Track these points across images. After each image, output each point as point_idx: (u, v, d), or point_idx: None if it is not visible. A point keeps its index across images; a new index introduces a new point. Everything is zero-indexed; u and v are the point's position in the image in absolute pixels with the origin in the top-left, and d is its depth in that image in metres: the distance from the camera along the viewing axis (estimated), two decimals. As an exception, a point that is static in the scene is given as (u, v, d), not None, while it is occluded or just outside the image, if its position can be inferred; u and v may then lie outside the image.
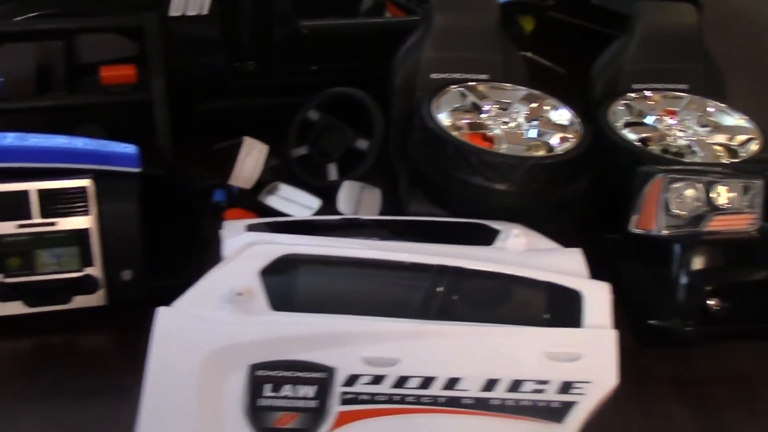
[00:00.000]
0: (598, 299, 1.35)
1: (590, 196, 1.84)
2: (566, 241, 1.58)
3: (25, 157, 1.50)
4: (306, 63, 2.20)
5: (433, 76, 2.01)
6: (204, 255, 1.74)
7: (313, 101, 2.06)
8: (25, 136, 1.55)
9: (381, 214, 1.88)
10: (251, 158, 1.85)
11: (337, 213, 1.85)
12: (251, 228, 1.68)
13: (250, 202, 1.88)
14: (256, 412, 1.20)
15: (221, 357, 1.22)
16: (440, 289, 1.35)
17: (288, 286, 1.35)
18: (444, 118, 1.85)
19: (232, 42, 2.13)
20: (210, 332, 1.24)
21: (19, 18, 1.88)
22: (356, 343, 1.25)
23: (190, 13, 1.99)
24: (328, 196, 1.91)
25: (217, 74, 2.10)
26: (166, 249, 1.64)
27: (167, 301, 1.56)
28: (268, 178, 1.90)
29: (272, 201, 1.87)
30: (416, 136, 1.88)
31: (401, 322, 1.28)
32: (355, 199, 1.89)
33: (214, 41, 2.07)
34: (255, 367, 1.22)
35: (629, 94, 2.02)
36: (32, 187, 1.47)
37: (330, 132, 2.02)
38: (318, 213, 1.85)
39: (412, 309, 1.32)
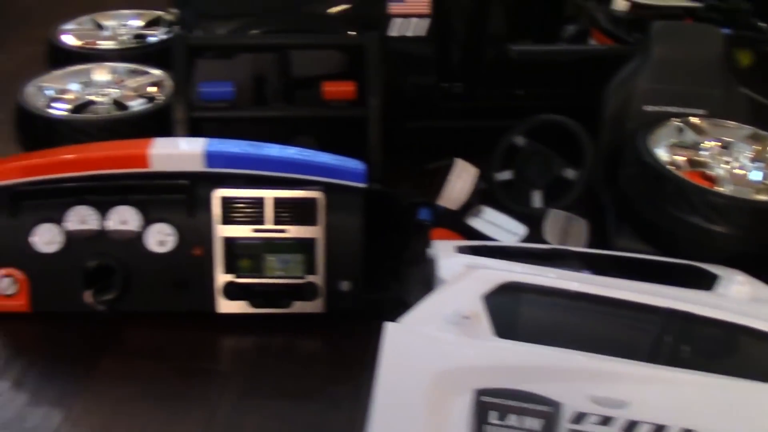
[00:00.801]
0: (844, 361, 1.26)
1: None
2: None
3: (263, 165, 1.58)
4: (513, 87, 2.21)
5: (647, 108, 1.96)
6: (410, 271, 1.78)
7: (521, 126, 2.05)
8: (260, 145, 1.64)
9: (587, 247, 1.84)
10: (461, 180, 1.87)
11: (543, 241, 1.83)
12: (460, 250, 1.70)
13: (455, 223, 1.89)
14: (482, 438, 1.20)
15: (448, 378, 1.23)
16: (670, 333, 1.30)
17: (511, 313, 1.35)
18: (661, 153, 1.80)
19: (442, 63, 2.17)
20: (437, 352, 1.26)
21: (252, 32, 1.99)
22: (584, 380, 1.22)
23: (409, 34, 2.05)
24: (530, 223, 1.90)
25: (426, 94, 2.15)
26: (377, 263, 1.68)
27: (378, 314, 1.61)
28: (474, 201, 1.91)
29: (478, 224, 1.88)
30: (630, 170, 1.83)
31: (632, 364, 1.24)
32: (561, 229, 1.86)
33: (426, 62, 2.12)
34: (481, 393, 1.22)
35: None
36: (269, 195, 1.55)
37: (536, 159, 2.01)
38: (523, 240, 1.84)
39: (639, 351, 1.28)
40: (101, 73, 2.11)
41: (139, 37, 2.40)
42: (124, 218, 1.55)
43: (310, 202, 1.56)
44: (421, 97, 2.15)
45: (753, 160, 1.81)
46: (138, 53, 2.26)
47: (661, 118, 1.91)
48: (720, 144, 1.85)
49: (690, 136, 1.87)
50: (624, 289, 1.39)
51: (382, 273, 1.70)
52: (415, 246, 1.81)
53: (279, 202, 1.55)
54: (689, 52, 1.98)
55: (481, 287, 1.35)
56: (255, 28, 2.03)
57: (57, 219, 1.54)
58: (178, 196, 1.56)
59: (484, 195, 1.97)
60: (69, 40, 2.33)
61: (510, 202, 1.99)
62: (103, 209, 1.55)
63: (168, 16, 2.45)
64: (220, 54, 2.04)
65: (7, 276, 1.55)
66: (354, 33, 2.05)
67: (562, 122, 2.00)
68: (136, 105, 1.97)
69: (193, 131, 1.92)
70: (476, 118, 2.22)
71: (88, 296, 1.54)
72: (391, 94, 2.04)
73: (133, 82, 2.09)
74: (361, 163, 1.63)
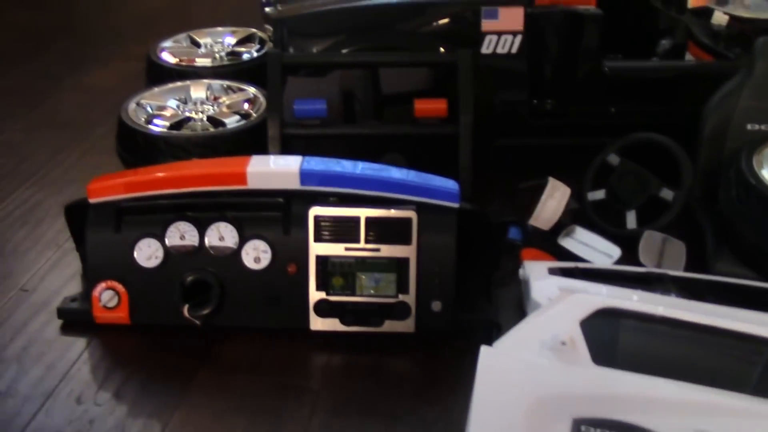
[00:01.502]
0: None
1: None
2: None
3: (357, 184, 1.59)
4: (606, 104, 2.16)
5: (749, 127, 1.89)
6: (501, 292, 1.76)
7: (615, 145, 2.00)
8: (354, 164, 1.65)
9: (684, 270, 1.78)
10: (554, 200, 1.84)
11: (638, 264, 1.78)
12: (553, 272, 1.67)
13: (546, 243, 1.86)
14: (581, 469, 1.17)
15: (545, 405, 1.20)
16: (779, 365, 1.25)
17: (609, 340, 1.32)
18: (766, 175, 1.73)
19: (534, 79, 2.14)
20: (534, 379, 1.23)
21: (346, 50, 2.01)
22: (689, 413, 1.18)
23: (502, 51, 2.03)
24: (624, 244, 1.85)
25: (518, 111, 2.12)
26: (468, 282, 1.67)
27: (469, 335, 1.60)
28: (566, 221, 1.88)
29: (570, 244, 1.85)
30: (732, 192, 1.77)
31: (740, 397, 1.19)
32: (657, 251, 1.81)
33: (517, 78, 2.09)
34: (580, 422, 1.19)
35: None
36: (363, 213, 1.56)
37: (631, 178, 1.96)
38: (617, 262, 1.79)
39: (745, 383, 1.23)
40: (198, 90, 2.16)
41: (233, 54, 2.45)
42: (221, 234, 1.58)
43: (403, 222, 1.55)
44: (513, 114, 2.13)
45: None
46: (232, 70, 2.31)
47: (765, 137, 1.83)
48: (830, 165, 1.77)
49: (797, 156, 1.80)
50: (729, 318, 1.35)
51: (473, 293, 1.69)
52: (505, 266, 1.79)
53: (372, 222, 1.56)
54: (795, 68, 1.90)
55: (578, 312, 1.33)
56: (347, 47, 2.04)
57: (158, 234, 1.59)
58: (274, 214, 1.59)
59: (576, 215, 1.93)
60: (167, 57, 2.40)
61: (603, 223, 1.95)
62: (201, 225, 1.59)
63: (261, 33, 2.50)
64: (313, 72, 2.07)
65: (109, 289, 1.61)
66: (446, 50, 2.04)
67: (659, 141, 1.95)
68: (231, 122, 2.02)
69: (285, 148, 1.95)
70: (568, 136, 2.18)
71: (185, 310, 1.58)
72: (483, 110, 2.03)
73: (227, 99, 2.14)
74: (455, 183, 1.62)
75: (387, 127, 2.03)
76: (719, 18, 2.40)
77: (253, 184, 1.59)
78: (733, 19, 2.41)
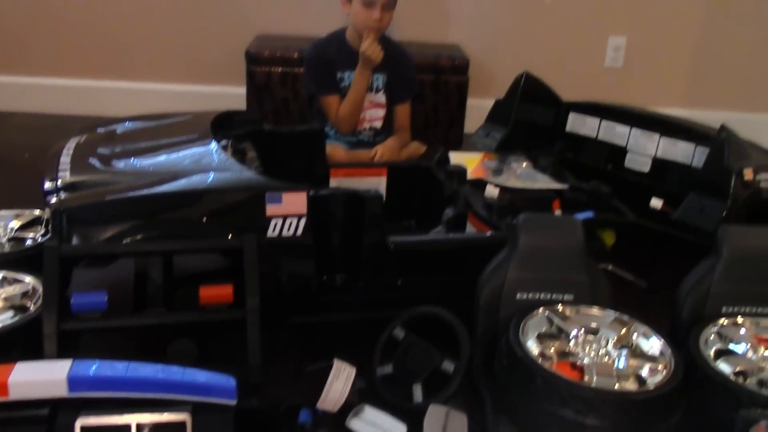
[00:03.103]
0: None
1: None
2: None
3: (129, 386, 1.55)
4: (393, 277, 2.25)
5: (519, 296, 2.03)
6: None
7: (399, 319, 2.09)
8: (127, 365, 1.60)
9: (467, 441, 1.85)
10: (339, 382, 1.87)
11: (424, 440, 1.83)
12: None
13: (336, 425, 1.87)
14: None
15: None
16: None
17: None
18: (532, 345, 1.86)
19: (321, 255, 2.20)
20: None
21: (128, 240, 1.99)
22: None
23: (287, 234, 2.09)
24: (413, 418, 1.89)
25: (306, 289, 2.17)
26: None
27: None
28: (355, 400, 1.91)
29: (358, 425, 1.87)
30: (503, 363, 1.87)
31: None
32: (441, 424, 1.86)
33: (304, 258, 2.15)
34: None
35: (720, 320, 2.00)
36: (134, 420, 1.51)
37: (416, 351, 2.03)
38: (403, 439, 1.83)
39: None
40: (-32, 284, 2.05)
41: (16, 239, 2.36)
42: (-26, 456, 1.47)
43: (177, 425, 1.52)
44: (302, 292, 2.17)
45: (618, 345, 1.89)
46: (12, 258, 2.21)
47: (532, 306, 1.98)
48: (586, 331, 1.93)
49: (558, 324, 1.95)
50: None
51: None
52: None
53: (144, 428, 1.51)
54: (553, 240, 2.08)
55: None
56: (133, 235, 2.02)
57: None
58: (38, 427, 1.50)
59: (364, 393, 1.96)
60: (-61, 246, 2.27)
61: (392, 398, 1.99)
62: (-47, 447, 1.47)
63: (47, 215, 2.43)
64: (93, 262, 2.03)
65: None
66: (233, 235, 2.07)
67: (438, 314, 2.05)
68: (4, 319, 1.91)
69: (68, 343, 1.86)
70: (359, 311, 2.24)
71: None
72: (271, 291, 2.05)
73: (2, 291, 2.03)
74: (231, 379, 1.61)
75: (172, 316, 2.00)
76: (491, 191, 2.62)
77: (15, 395, 1.51)
78: (503, 190, 2.64)
